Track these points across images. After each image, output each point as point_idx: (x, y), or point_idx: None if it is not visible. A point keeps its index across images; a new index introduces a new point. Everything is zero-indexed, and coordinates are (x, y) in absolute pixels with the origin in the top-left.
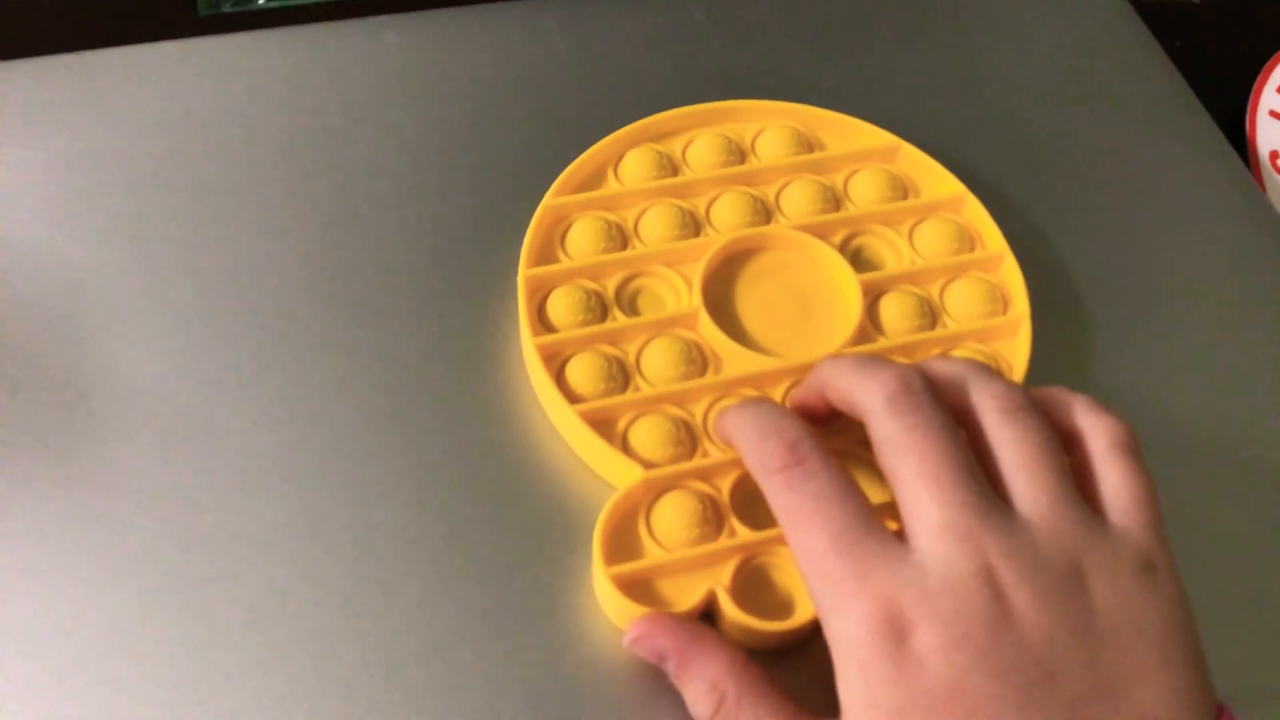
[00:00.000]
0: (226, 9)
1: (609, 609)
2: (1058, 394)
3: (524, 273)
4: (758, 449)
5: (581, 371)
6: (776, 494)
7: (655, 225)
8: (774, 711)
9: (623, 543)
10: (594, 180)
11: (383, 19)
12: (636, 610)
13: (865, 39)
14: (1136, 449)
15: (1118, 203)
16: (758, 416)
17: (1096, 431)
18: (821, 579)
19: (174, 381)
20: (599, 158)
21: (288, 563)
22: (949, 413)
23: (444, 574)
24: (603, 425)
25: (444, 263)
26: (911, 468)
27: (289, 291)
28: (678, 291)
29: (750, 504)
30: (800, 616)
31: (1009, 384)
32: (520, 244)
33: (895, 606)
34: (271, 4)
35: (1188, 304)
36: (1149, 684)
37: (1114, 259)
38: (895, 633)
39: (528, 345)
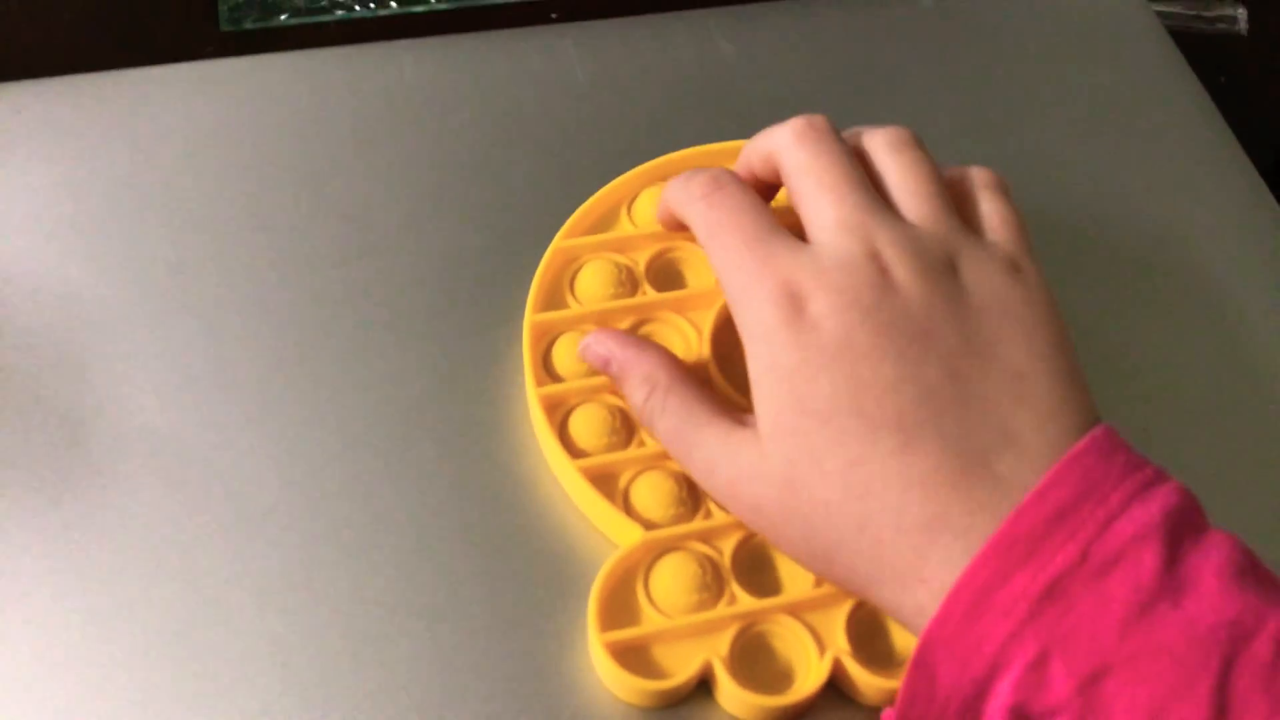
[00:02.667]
0: (249, 25)
1: (604, 675)
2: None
3: (530, 318)
4: (684, 186)
5: (585, 424)
6: (699, 216)
7: (667, 271)
8: (700, 399)
9: (620, 606)
10: (607, 220)
11: (403, 43)
12: (631, 680)
13: (896, 78)
14: (1008, 190)
15: (1150, 255)
16: (686, 172)
17: (976, 173)
18: (734, 272)
19: (176, 422)
20: (613, 197)
21: (284, 611)
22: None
23: (439, 630)
24: (604, 481)
25: (451, 303)
26: (812, 182)
27: (292, 332)
28: (688, 340)
29: (753, 568)
30: (800, 690)
31: (900, 127)
32: (529, 284)
33: (794, 284)
34: (294, 21)
35: (1223, 367)
36: (1015, 346)
37: (1145, 318)
38: (794, 303)
39: (531, 394)
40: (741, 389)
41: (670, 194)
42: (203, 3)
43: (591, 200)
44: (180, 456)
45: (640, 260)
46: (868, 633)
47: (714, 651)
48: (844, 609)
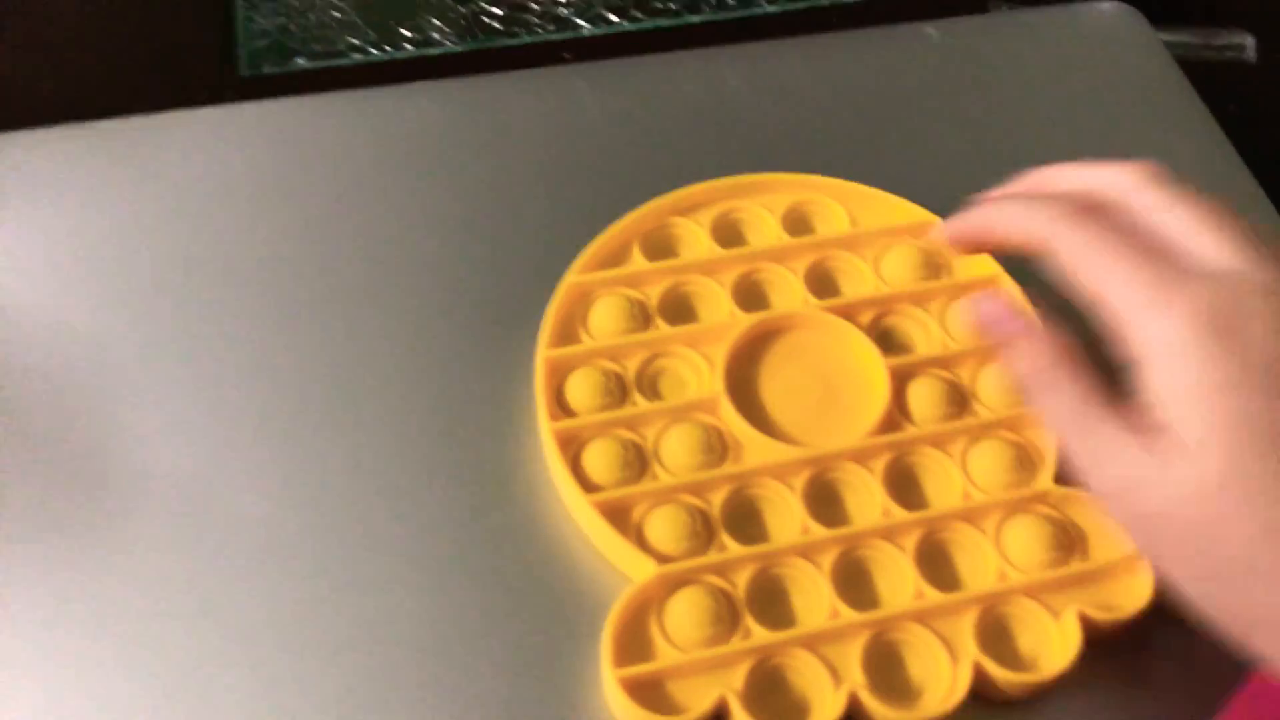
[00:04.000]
0: (268, 69)
1: (618, 711)
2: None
3: (543, 354)
4: (1034, 211)
5: (598, 458)
6: (1064, 236)
7: (679, 305)
8: (1101, 384)
9: (634, 641)
10: (619, 256)
11: (418, 85)
12: (646, 715)
13: (904, 112)
14: None
15: None
16: (1014, 197)
17: None
18: (1128, 287)
19: (189, 465)
20: (625, 233)
21: (297, 650)
22: None
23: (452, 667)
24: (618, 515)
25: (465, 340)
26: (1194, 217)
27: (305, 372)
28: (700, 374)
29: (768, 601)
30: None
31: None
32: (541, 319)
33: (1216, 301)
34: (311, 65)
35: None
36: None
37: None
38: (1220, 321)
39: (545, 429)
40: (758, 423)
41: (1002, 215)
42: (220, 47)
43: (603, 236)
44: (190, 501)
45: (652, 295)
46: (884, 666)
47: (728, 686)
48: (860, 641)
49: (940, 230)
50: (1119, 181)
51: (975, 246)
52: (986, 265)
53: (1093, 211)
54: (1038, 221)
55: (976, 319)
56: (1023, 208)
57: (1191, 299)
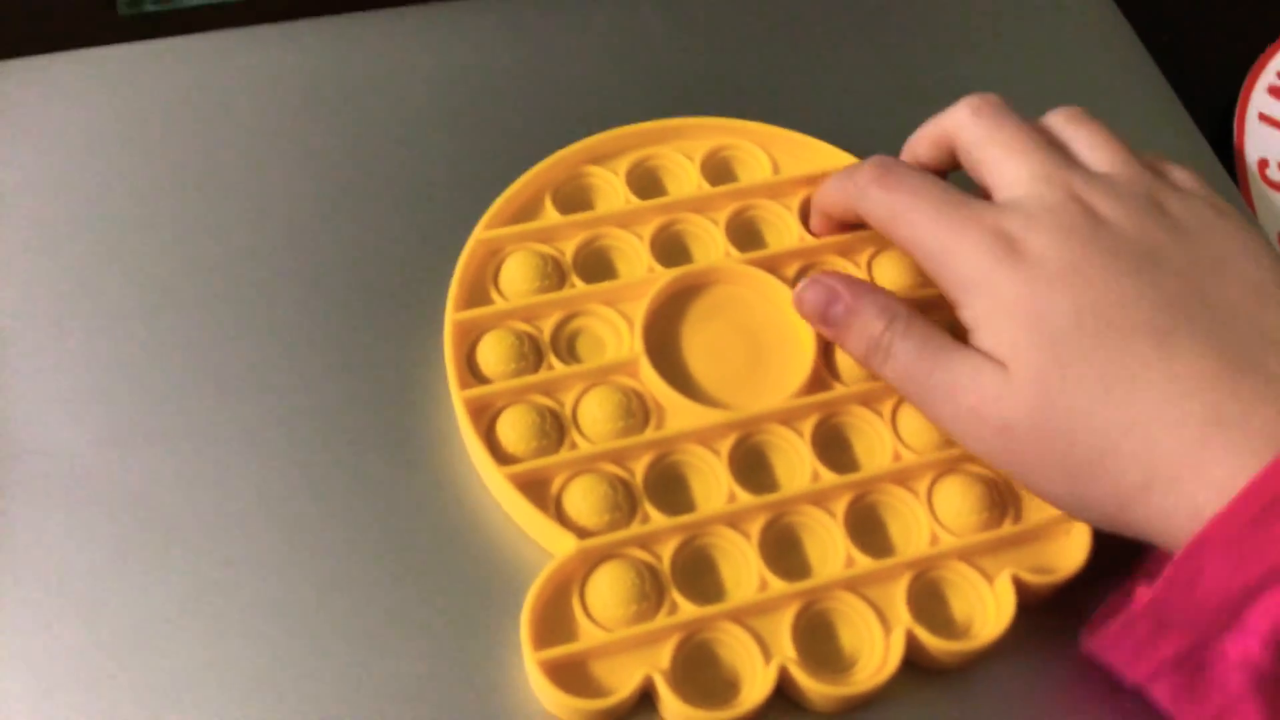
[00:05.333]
0: (149, 8)
1: (540, 695)
2: None
3: (451, 317)
4: (847, 182)
5: (513, 427)
6: (875, 199)
7: (596, 260)
8: (939, 328)
9: (555, 621)
10: (530, 209)
11: (306, 23)
12: (567, 700)
13: (830, 51)
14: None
15: None
16: (840, 170)
17: (1150, 155)
18: (931, 236)
19: (78, 440)
20: (536, 183)
21: (198, 638)
22: None
23: (365, 653)
24: (535, 488)
25: (368, 302)
26: (998, 149)
27: (196, 340)
28: (619, 333)
29: (695, 574)
30: (746, 701)
31: (1073, 106)
32: (450, 280)
33: (1003, 231)
34: (198, 2)
35: None
36: (1245, 261)
37: None
38: (1008, 246)
39: (455, 398)
40: (680, 385)
41: (830, 192)
42: None
43: (513, 187)
44: (78, 477)
45: (567, 250)
46: (815, 637)
47: (654, 665)
48: (790, 612)
49: (819, 210)
50: (947, 122)
51: (832, 227)
52: None
53: (893, 170)
54: (845, 195)
55: (802, 307)
56: (835, 186)
57: (976, 233)
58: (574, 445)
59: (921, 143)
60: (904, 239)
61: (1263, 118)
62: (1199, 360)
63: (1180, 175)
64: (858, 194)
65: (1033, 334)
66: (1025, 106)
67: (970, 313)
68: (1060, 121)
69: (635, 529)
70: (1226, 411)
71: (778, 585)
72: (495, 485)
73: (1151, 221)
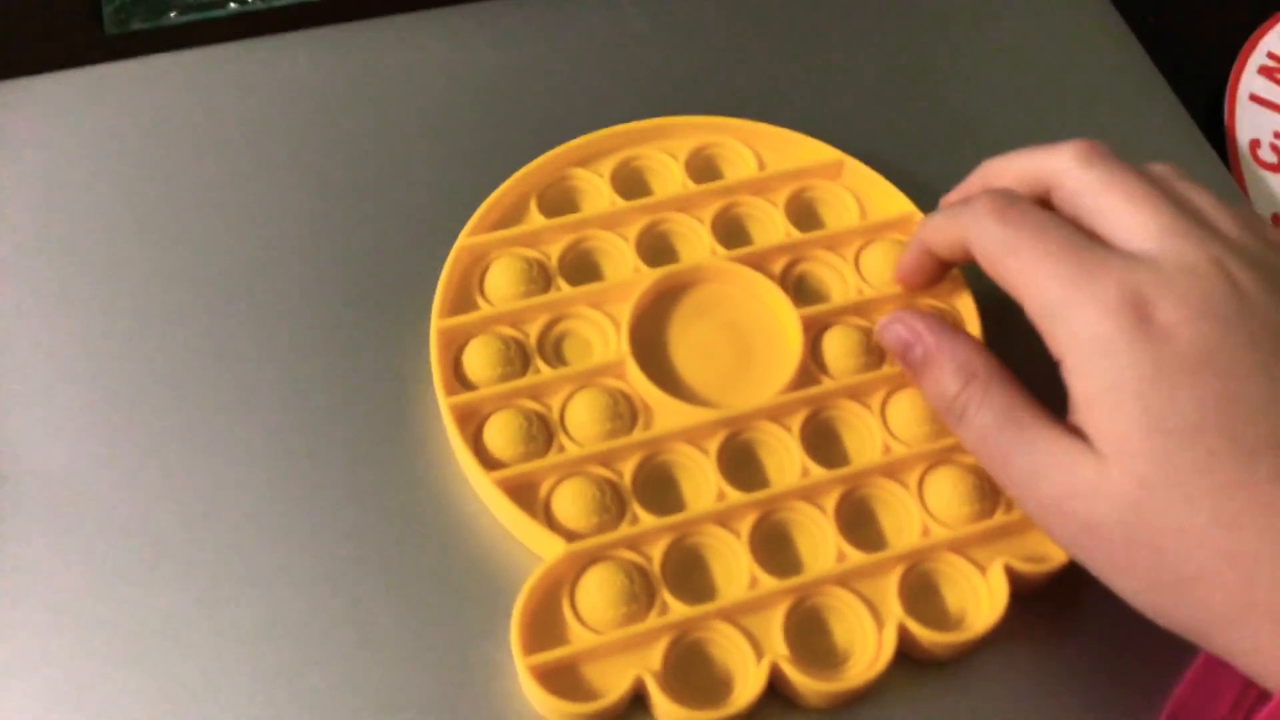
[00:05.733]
0: (136, 26)
1: (532, 699)
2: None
3: (437, 324)
4: (961, 214)
5: (500, 432)
6: (990, 232)
7: (582, 263)
8: (1023, 397)
9: (545, 625)
10: (515, 214)
11: (295, 36)
12: (558, 704)
13: (813, 45)
14: None
15: None
16: (947, 206)
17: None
18: (1048, 282)
19: (62, 458)
20: (520, 188)
21: (190, 649)
22: None
23: (357, 659)
24: (523, 492)
25: (355, 311)
26: (1119, 197)
27: (185, 351)
28: (605, 335)
29: (685, 573)
30: (738, 700)
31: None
32: (435, 286)
33: (1135, 291)
34: (184, 19)
35: None
36: None
37: None
38: (1139, 313)
39: (442, 405)
40: (667, 385)
41: (940, 222)
42: (85, 6)
43: (497, 193)
44: (67, 493)
45: (552, 254)
46: (807, 634)
47: (645, 666)
48: (781, 610)
49: (901, 281)
50: (1049, 164)
51: (929, 278)
52: (899, 203)
53: (1015, 205)
54: (959, 226)
55: (883, 340)
56: (945, 217)
57: (1103, 289)
58: (562, 448)
59: (1007, 176)
60: (1018, 284)
61: (1253, 98)
62: None
63: None
64: (972, 223)
65: (1146, 432)
66: (1013, 96)
67: (1080, 384)
68: (1169, 176)
69: (624, 530)
70: None
71: (768, 582)
72: (484, 490)
73: None
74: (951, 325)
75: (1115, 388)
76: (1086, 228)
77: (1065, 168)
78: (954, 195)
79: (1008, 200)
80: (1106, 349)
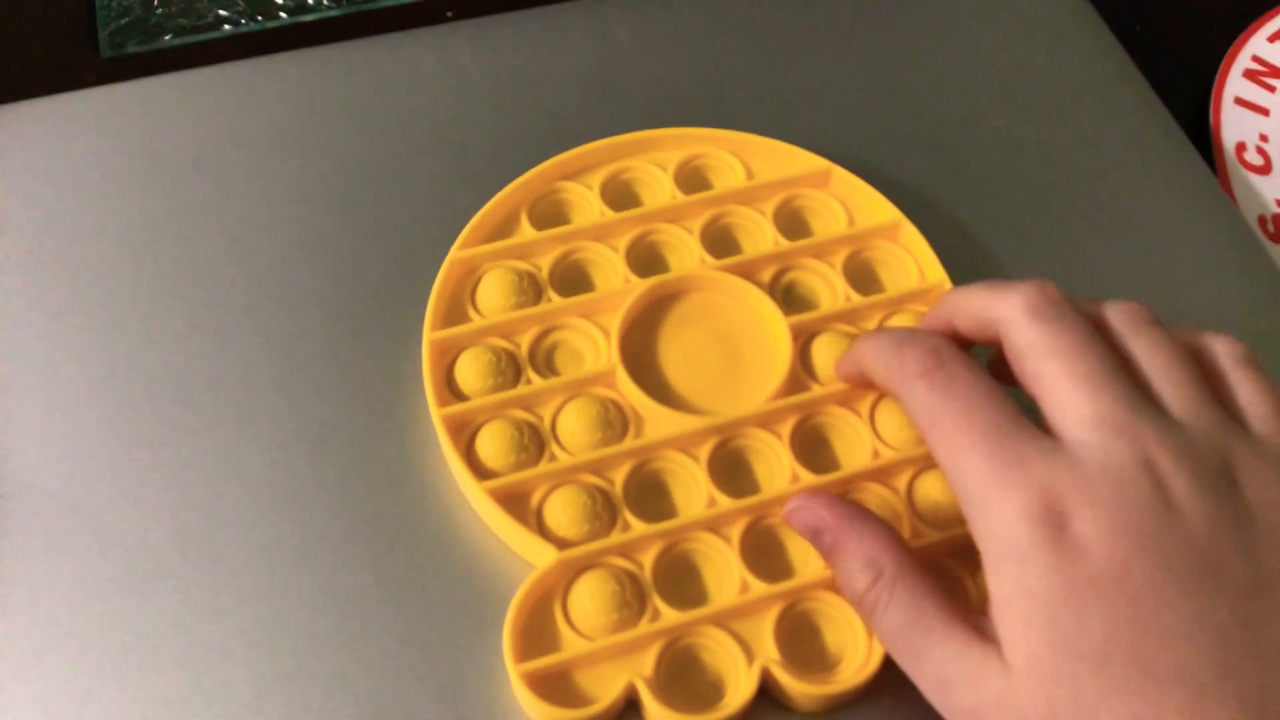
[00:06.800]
0: (132, 49)
1: (525, 706)
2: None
3: (429, 336)
4: (895, 358)
5: (492, 442)
6: (917, 397)
7: (572, 274)
8: (932, 594)
9: (538, 632)
10: (506, 227)
11: (288, 55)
12: (551, 710)
13: (799, 54)
14: (1259, 364)
15: (1066, 217)
16: (892, 334)
17: (1221, 346)
18: (970, 474)
19: (55, 471)
20: (511, 201)
21: (183, 658)
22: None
23: (351, 669)
24: (515, 501)
25: (349, 324)
26: (1058, 368)
27: (180, 366)
28: (596, 346)
29: (677, 580)
30: (729, 704)
31: (1131, 301)
32: (429, 299)
33: (1053, 495)
34: (179, 41)
35: None
36: None
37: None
38: (1054, 520)
39: (435, 416)
40: (658, 394)
41: (872, 359)
42: (81, 29)
43: (488, 206)
44: (61, 506)
45: (543, 265)
46: (798, 638)
47: (637, 672)
48: (772, 614)
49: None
50: (999, 312)
51: (861, 382)
52: (886, 211)
53: (945, 367)
54: (896, 374)
55: (791, 524)
56: (888, 353)
57: (1020, 491)
58: (553, 457)
59: (961, 316)
60: (941, 461)
61: (1239, 101)
62: None
63: (1251, 391)
64: (900, 381)
65: (1054, 652)
66: (999, 102)
67: (995, 584)
68: (1122, 324)
69: (615, 537)
70: None
71: (759, 587)
72: (476, 500)
73: (1224, 512)
74: (861, 510)
75: (1026, 598)
76: (1029, 391)
77: (1012, 318)
78: (922, 324)
79: (938, 361)
80: (1019, 556)
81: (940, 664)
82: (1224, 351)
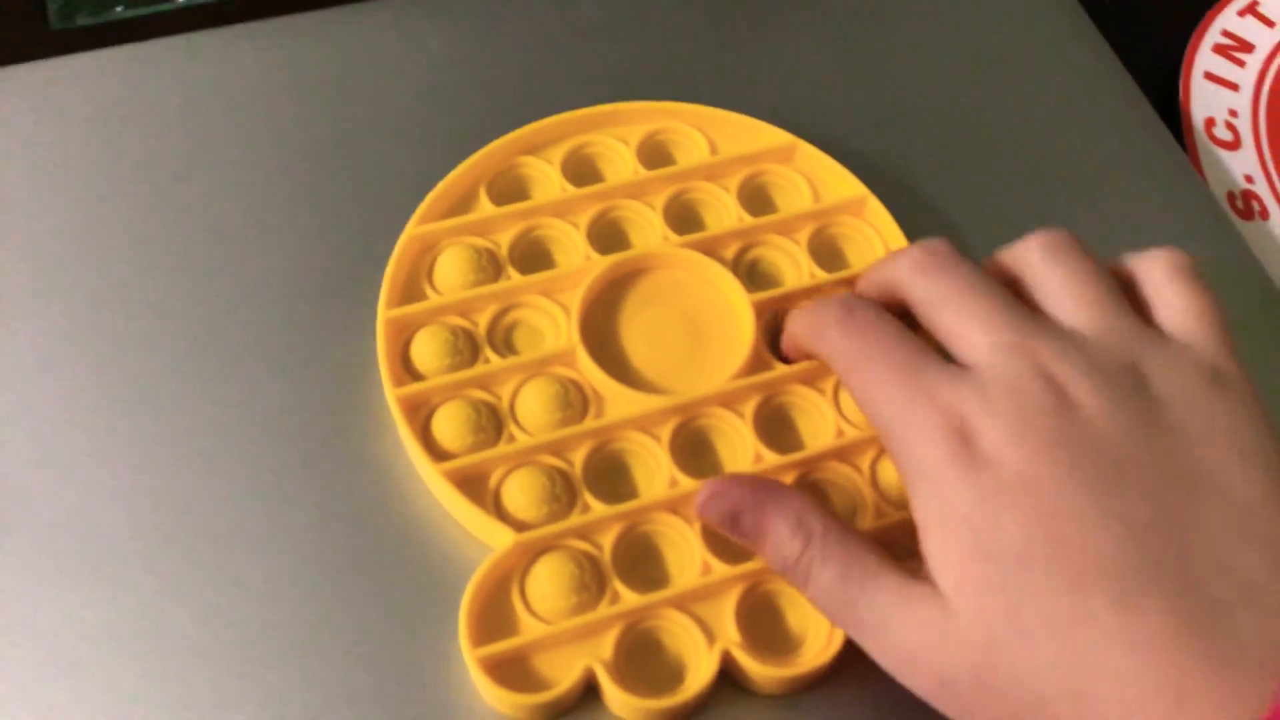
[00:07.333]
0: (82, 21)
1: (482, 691)
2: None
3: (384, 314)
4: (811, 315)
5: (448, 423)
6: (835, 345)
7: (533, 251)
8: (861, 543)
9: (495, 617)
10: (465, 202)
11: (241, 28)
12: (508, 695)
13: (765, 28)
14: (1197, 272)
15: (1033, 193)
16: (814, 302)
17: (1156, 261)
18: (885, 406)
19: (11, 462)
20: (469, 176)
21: (135, 648)
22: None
23: (308, 653)
24: (472, 483)
25: (303, 302)
26: (951, 313)
27: (130, 346)
28: (557, 324)
29: (637, 562)
30: (690, 687)
31: (1053, 229)
32: (384, 275)
33: (959, 416)
34: (131, 13)
35: None
36: (1229, 471)
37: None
38: (962, 439)
39: (390, 396)
40: (618, 373)
41: (796, 326)
42: (30, 1)
43: (446, 181)
44: (12, 498)
45: (503, 242)
46: (759, 620)
47: (595, 656)
48: (732, 597)
49: (786, 340)
50: (891, 275)
51: (800, 357)
52: (852, 186)
53: (855, 314)
54: (815, 331)
55: (705, 517)
56: (810, 317)
57: (928, 417)
58: (512, 438)
59: (868, 287)
60: (860, 402)
61: (1208, 76)
62: (1161, 622)
63: (1178, 299)
64: (819, 336)
65: (979, 563)
66: (965, 77)
67: (919, 513)
68: (1035, 255)
69: (575, 519)
70: (1192, 687)
71: (721, 569)
72: (432, 482)
73: (1128, 409)
74: (776, 481)
75: (946, 516)
76: (939, 343)
77: (904, 279)
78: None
79: (848, 309)
80: (934, 478)
81: (879, 609)
82: (1157, 263)
